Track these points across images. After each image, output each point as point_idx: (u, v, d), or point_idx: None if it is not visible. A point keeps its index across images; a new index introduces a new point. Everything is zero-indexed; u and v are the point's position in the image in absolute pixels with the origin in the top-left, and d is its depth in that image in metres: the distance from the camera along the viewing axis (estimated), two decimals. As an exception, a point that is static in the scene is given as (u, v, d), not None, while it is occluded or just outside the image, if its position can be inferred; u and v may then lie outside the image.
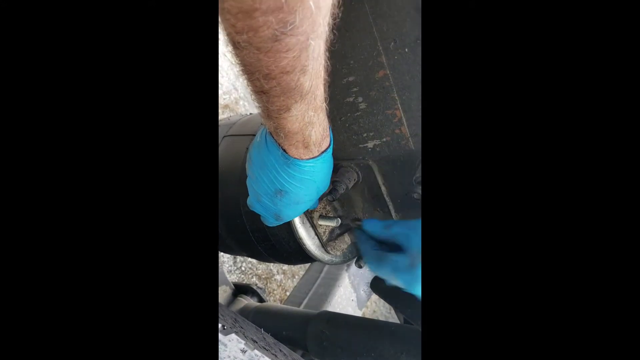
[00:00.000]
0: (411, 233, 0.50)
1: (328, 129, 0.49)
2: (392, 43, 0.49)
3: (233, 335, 0.47)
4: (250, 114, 0.93)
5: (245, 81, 0.40)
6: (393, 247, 0.53)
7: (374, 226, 0.54)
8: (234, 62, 0.38)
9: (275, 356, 0.51)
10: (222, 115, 1.99)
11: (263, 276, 1.96)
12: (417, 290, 0.48)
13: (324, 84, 0.43)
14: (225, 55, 1.93)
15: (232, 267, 1.85)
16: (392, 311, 2.12)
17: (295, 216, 0.58)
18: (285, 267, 2.08)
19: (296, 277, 2.05)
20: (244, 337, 0.49)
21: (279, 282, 2.01)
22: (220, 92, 1.99)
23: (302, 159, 0.48)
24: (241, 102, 2.01)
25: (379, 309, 2.29)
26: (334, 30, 0.38)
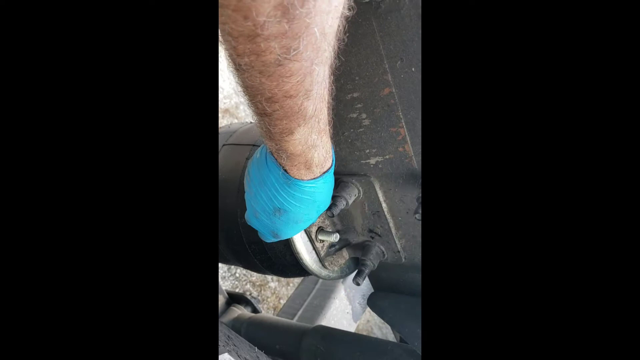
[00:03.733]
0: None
1: (331, 150, 0.48)
2: (399, 62, 0.48)
3: (226, 355, 0.46)
4: (251, 122, 0.92)
5: (247, 103, 0.38)
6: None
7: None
8: (236, 82, 0.37)
9: (269, 377, 0.49)
10: (222, 120, 1.97)
11: (257, 283, 1.94)
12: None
13: (328, 107, 0.42)
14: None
15: (226, 274, 1.83)
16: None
17: (294, 234, 0.57)
18: (280, 274, 2.06)
19: (291, 284, 2.03)
20: (237, 356, 0.47)
21: (273, 289, 1.99)
22: (220, 96, 1.98)
23: (303, 180, 0.47)
24: (242, 107, 2.00)
25: (372, 319, 2.27)
26: (340, 53, 0.37)
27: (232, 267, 1.88)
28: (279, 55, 0.31)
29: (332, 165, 0.49)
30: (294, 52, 0.31)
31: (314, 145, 0.43)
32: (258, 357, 0.55)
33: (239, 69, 0.33)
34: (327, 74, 0.37)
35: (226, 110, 1.95)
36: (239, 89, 0.37)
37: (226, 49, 0.32)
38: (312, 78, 0.35)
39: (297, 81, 0.34)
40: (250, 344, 0.59)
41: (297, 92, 0.35)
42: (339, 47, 0.36)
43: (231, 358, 0.45)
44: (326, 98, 0.40)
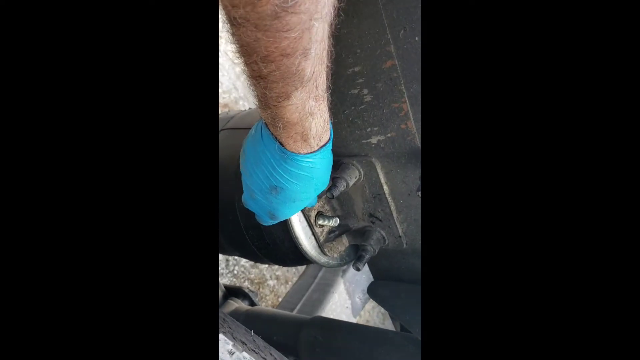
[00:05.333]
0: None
1: (329, 122, 0.46)
2: (402, 31, 0.47)
3: (221, 336, 0.44)
4: (250, 108, 0.91)
5: (242, 65, 0.37)
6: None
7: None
8: (231, 41, 0.35)
9: (265, 359, 0.48)
10: (221, 115, 1.96)
11: (255, 281, 1.92)
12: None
13: (327, 72, 0.40)
14: (227, 54, 1.91)
15: (224, 270, 1.81)
16: (386, 321, 2.08)
17: (291, 215, 0.55)
18: (279, 272, 2.04)
19: (290, 283, 2.01)
20: (233, 338, 0.45)
21: (271, 287, 1.97)
22: (219, 90, 1.96)
23: (300, 154, 0.45)
24: (241, 102, 1.99)
25: (372, 319, 2.25)
26: (341, 14, 0.36)
27: (230, 264, 1.86)
28: (277, 5, 0.29)
29: (329, 139, 0.47)
30: (292, 2, 0.29)
31: (311, 112, 0.41)
32: (254, 340, 0.53)
33: (234, 23, 0.31)
34: (327, 33, 0.35)
35: (225, 105, 1.93)
36: (234, 48, 0.35)
37: (221, 1, 0.31)
38: (311, 35, 0.33)
39: (295, 37, 0.32)
40: (247, 329, 0.57)
41: (295, 50, 0.33)
42: (339, 6, 0.35)
43: (225, 338, 0.43)
44: (325, 61, 0.38)
